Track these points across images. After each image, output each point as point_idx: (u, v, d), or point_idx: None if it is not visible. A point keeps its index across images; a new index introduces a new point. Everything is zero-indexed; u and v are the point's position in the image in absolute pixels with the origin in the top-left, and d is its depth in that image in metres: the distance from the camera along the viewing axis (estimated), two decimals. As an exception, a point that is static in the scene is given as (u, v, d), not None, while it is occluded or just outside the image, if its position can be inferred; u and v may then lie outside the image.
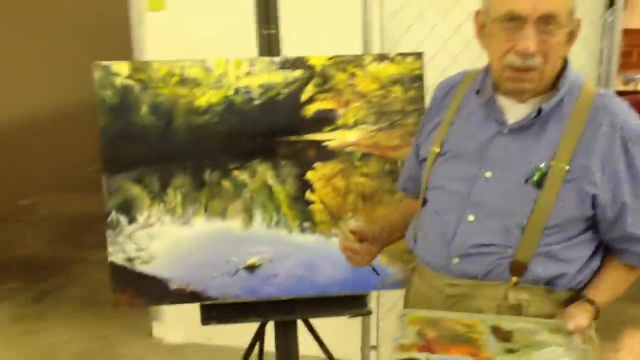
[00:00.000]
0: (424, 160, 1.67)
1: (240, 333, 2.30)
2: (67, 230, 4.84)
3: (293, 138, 2.10)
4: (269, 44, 2.10)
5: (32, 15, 5.28)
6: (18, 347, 3.41)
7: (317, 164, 2.11)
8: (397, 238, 1.84)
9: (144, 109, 2.07)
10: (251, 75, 2.08)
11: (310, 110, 2.09)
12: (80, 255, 4.33)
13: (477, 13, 1.56)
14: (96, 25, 5.45)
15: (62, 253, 4.49)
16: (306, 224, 2.13)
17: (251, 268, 2.13)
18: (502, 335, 1.40)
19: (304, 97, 2.09)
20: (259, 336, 2.26)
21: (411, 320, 1.45)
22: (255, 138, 2.09)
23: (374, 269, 1.85)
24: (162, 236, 2.11)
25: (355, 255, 1.77)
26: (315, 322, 2.27)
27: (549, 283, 1.51)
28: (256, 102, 2.08)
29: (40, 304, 3.85)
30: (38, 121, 5.42)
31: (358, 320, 2.88)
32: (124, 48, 3.17)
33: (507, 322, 1.45)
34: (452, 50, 2.54)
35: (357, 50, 2.63)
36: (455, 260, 1.54)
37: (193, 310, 2.19)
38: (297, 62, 2.08)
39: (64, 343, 3.41)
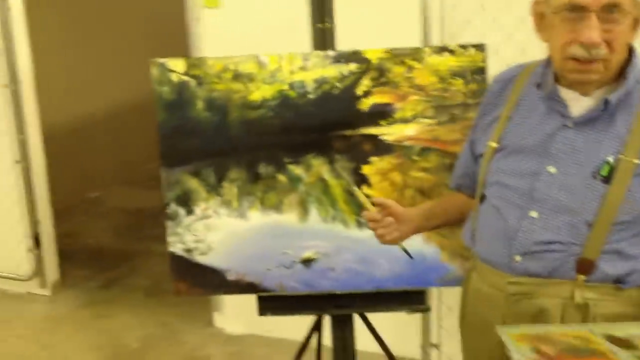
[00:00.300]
0: (480, 156, 1.60)
1: (300, 326, 2.28)
2: (131, 223, 4.94)
3: (348, 132, 2.04)
4: (323, 38, 2.06)
5: (94, 15, 5.36)
6: (89, 329, 3.52)
7: (373, 159, 2.05)
8: (435, 226, 1.80)
9: (200, 104, 2.07)
10: (305, 69, 2.03)
11: (366, 104, 2.03)
12: (144, 247, 4.41)
13: (536, 3, 1.48)
14: (157, 23, 5.49)
15: (126, 244, 4.59)
16: (362, 219, 2.06)
17: (307, 261, 2.11)
18: (621, 343, 1.31)
19: (360, 90, 2.03)
20: (316, 330, 2.22)
21: (515, 337, 1.36)
22: (310, 132, 2.05)
23: (405, 251, 1.77)
24: (218, 228, 2.12)
25: (378, 227, 1.71)
26: (374, 318, 2.21)
27: (618, 281, 1.42)
28: (310, 97, 2.04)
29: (108, 291, 3.95)
30: (105, 118, 5.52)
31: (418, 317, 2.81)
32: (182, 45, 3.18)
33: (615, 329, 1.35)
34: (518, 41, 2.41)
35: (415, 43, 2.54)
36: (518, 258, 1.47)
37: (253, 301, 2.18)
38: (352, 56, 2.02)
39: (130, 328, 3.49)
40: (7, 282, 3.96)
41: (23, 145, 3.77)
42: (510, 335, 1.35)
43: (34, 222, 3.87)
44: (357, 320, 2.20)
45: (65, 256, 4.11)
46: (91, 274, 4.14)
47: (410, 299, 2.13)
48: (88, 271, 4.18)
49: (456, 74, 1.99)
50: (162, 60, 2.06)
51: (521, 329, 1.38)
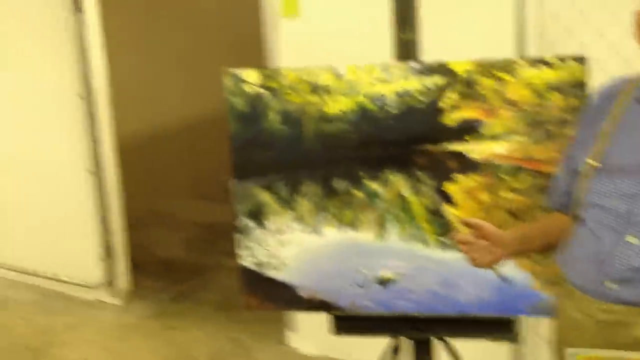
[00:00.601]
0: (578, 173, 1.54)
1: (377, 349, 2.22)
2: (203, 237, 5.01)
3: (431, 148, 1.98)
4: (406, 49, 2.01)
5: (169, 26, 5.46)
6: (158, 340, 3.59)
7: (457, 176, 1.98)
8: (532, 250, 1.76)
9: (274, 116, 2.06)
10: (385, 81, 1.99)
11: (451, 118, 1.96)
12: (215, 261, 4.46)
13: (638, 13, 1.41)
14: (232, 33, 5.53)
15: (198, 257, 4.65)
16: (445, 239, 2.01)
17: (384, 281, 2.08)
18: None
19: (444, 104, 1.96)
20: (393, 353, 2.17)
21: None
22: (389, 147, 2.00)
23: (500, 276, 1.70)
24: (291, 243, 2.12)
25: (469, 250, 1.67)
26: (460, 344, 2.14)
27: None
28: (390, 110, 1.99)
29: (178, 304, 4.01)
30: (179, 129, 5.60)
31: (509, 347, 2.70)
32: (258, 55, 3.20)
33: None
34: (624, 53, 2.29)
35: (510, 55, 2.44)
36: (611, 284, 1.43)
37: (328, 321, 2.17)
38: (437, 68, 1.96)
39: (200, 341, 3.54)
40: (79, 289, 4.09)
41: (96, 156, 3.89)
42: (578, 358, 1.33)
43: (106, 232, 3.99)
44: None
45: (137, 267, 4.20)
46: (162, 285, 4.23)
47: (496, 327, 2.06)
48: (159, 283, 4.26)
49: (554, 88, 1.89)
50: (235, 70, 2.07)
51: (591, 352, 1.35)
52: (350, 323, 2.14)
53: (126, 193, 4.09)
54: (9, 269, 4.38)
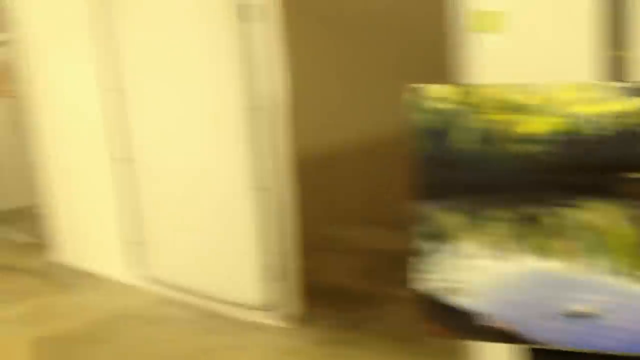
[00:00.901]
0: None
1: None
2: (376, 265, 5.00)
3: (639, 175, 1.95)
4: (616, 68, 1.98)
5: (353, 38, 5.48)
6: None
7: (674, 208, 1.92)
8: None
9: (463, 134, 2.08)
10: (590, 102, 1.97)
11: (668, 144, 1.92)
12: (388, 291, 4.45)
13: None
14: (418, 47, 5.43)
15: (370, 286, 4.66)
16: (652, 275, 1.96)
17: (581, 316, 2.05)
18: None
19: (658, 128, 1.93)
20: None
21: None
22: (591, 172, 1.98)
23: None
24: (476, 269, 2.12)
25: None
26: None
27: None
28: (595, 133, 1.98)
29: (347, 332, 4.03)
30: (352, 149, 5.57)
31: None
32: (443, 71, 3.21)
33: None
34: None
35: None
36: None
37: (515, 356, 2.17)
38: (650, 88, 1.93)
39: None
40: (244, 311, 4.21)
41: (264, 173, 3.93)
42: None
43: (273, 253, 4.05)
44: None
45: (305, 291, 4.26)
46: (331, 312, 4.26)
47: None
48: (328, 309, 4.30)
49: None
50: (420, 85, 2.09)
51: None
52: (543, 357, 2.13)
53: (297, 214, 4.13)
54: (166, 286, 4.55)
